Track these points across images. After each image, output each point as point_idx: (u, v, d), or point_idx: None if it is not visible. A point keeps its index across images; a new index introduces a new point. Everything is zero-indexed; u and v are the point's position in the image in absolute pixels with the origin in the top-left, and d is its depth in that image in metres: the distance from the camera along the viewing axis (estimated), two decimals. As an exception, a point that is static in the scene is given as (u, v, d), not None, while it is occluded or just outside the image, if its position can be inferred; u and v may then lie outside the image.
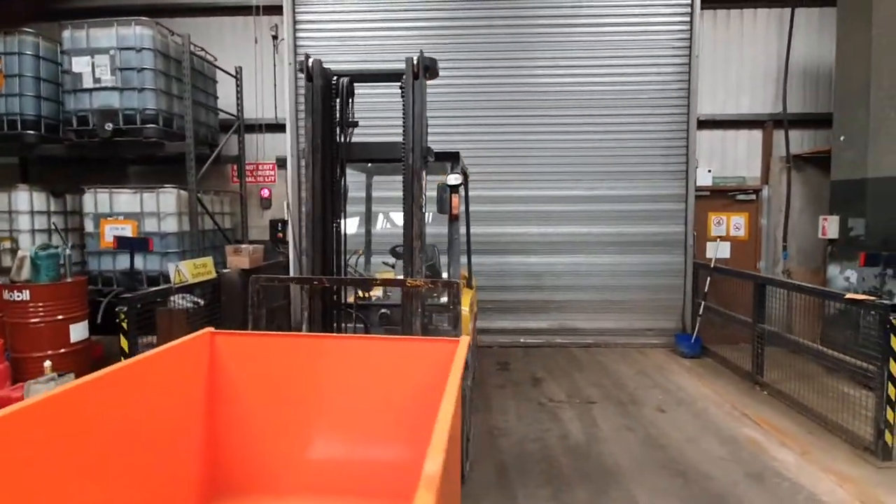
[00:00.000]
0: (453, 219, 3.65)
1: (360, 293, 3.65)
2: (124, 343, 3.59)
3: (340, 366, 2.46)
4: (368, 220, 5.08)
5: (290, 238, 6.72)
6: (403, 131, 3.06)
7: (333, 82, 3.11)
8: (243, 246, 5.55)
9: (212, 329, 2.64)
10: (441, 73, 3.13)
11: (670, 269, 6.37)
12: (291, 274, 6.70)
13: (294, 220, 6.62)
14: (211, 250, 5.88)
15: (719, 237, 6.49)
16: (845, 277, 5.22)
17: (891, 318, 3.46)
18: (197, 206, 5.42)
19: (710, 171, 6.44)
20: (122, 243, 4.83)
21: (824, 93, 6.28)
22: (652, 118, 6.23)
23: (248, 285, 5.65)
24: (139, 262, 5.18)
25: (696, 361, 5.87)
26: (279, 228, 6.85)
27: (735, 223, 6.58)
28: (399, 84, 3.09)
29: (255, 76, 6.73)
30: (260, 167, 6.87)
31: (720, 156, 6.47)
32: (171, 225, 5.24)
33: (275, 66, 6.80)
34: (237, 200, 6.72)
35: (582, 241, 6.43)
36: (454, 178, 3.89)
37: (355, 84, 3.17)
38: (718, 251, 6.27)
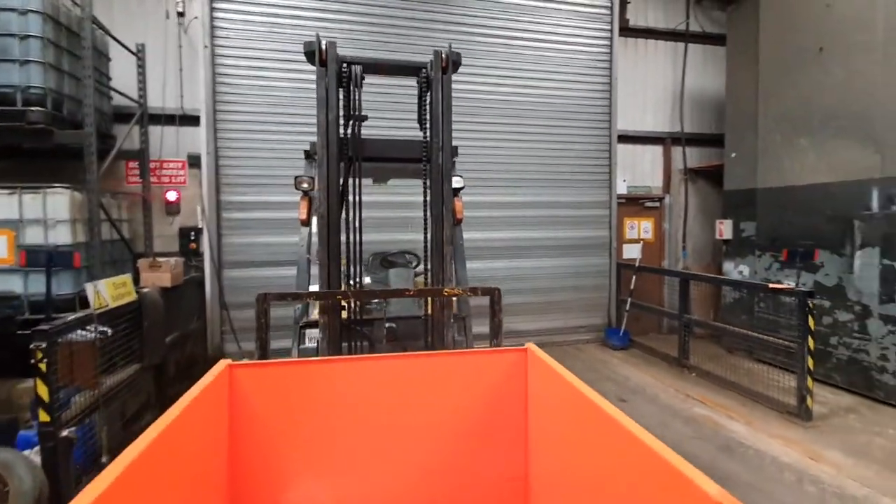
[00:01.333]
0: (457, 223, 3.50)
1: (355, 307, 3.29)
2: (43, 391, 2.69)
3: (394, 387, 2.17)
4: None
5: (205, 249, 5.79)
6: (425, 129, 2.83)
7: (344, 70, 2.74)
8: (162, 259, 4.61)
9: (229, 361, 2.15)
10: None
11: (598, 270, 6.94)
12: (209, 291, 5.78)
13: (212, 228, 5.73)
14: (110, 266, 4.78)
15: (634, 240, 7.29)
16: (739, 271, 6.23)
17: (808, 301, 4.21)
18: (99, 212, 4.35)
19: (624, 180, 7.19)
20: (33, 259, 3.68)
21: (711, 116, 7.45)
22: (581, 131, 6.75)
23: (173, 308, 4.75)
24: (14, 284, 3.98)
25: (627, 353, 6.47)
26: (192, 238, 5.86)
27: (644, 227, 7.43)
28: (418, 78, 2.86)
29: (163, 58, 5.69)
30: (165, 165, 5.79)
31: (631, 167, 7.25)
32: (63, 235, 4.12)
33: (180, 47, 5.82)
34: (136, 205, 5.57)
35: (522, 245, 6.67)
36: (458, 181, 3.73)
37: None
38: (631, 252, 7.06)
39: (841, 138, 4.84)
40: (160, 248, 5.63)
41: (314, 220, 3.34)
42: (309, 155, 3.43)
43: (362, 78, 2.76)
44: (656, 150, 7.37)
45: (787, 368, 4.98)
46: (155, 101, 5.61)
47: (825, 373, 5.02)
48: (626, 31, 6.91)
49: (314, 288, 3.78)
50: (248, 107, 5.83)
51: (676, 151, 7.35)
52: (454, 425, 2.23)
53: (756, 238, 5.91)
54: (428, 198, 2.86)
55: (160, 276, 4.50)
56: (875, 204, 4.56)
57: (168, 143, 5.75)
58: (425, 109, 2.86)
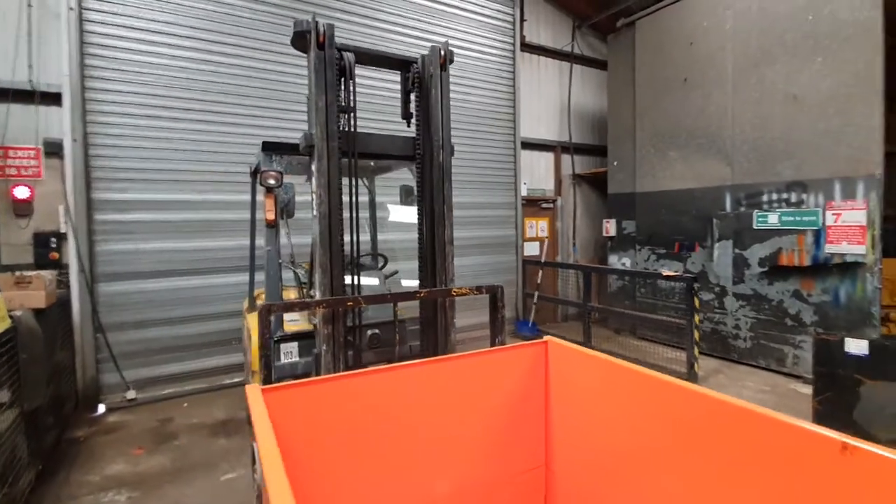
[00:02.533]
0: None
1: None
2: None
3: (424, 392, 2.13)
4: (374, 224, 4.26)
5: (71, 259, 4.68)
6: (422, 126, 2.74)
7: (338, 58, 2.51)
8: (31, 274, 3.59)
9: (256, 385, 1.88)
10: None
11: (507, 267, 7.41)
12: (77, 311, 4.67)
13: (80, 233, 4.65)
14: (-61, 285, 3.56)
15: (533, 238, 7.95)
16: (622, 263, 7.25)
17: (693, 285, 5.12)
18: (-69, 212, 3.21)
19: (525, 183, 7.79)
20: None
21: (591, 128, 8.49)
22: (490, 136, 7.12)
23: (48, 335, 3.81)
24: None
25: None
26: (53, 245, 4.67)
27: (541, 226, 8.16)
28: (409, 73, 2.76)
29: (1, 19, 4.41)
30: (11, 154, 4.50)
31: (530, 172, 7.90)
32: None
33: (30, 6, 4.60)
34: (-33, 204, 4.23)
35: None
36: None
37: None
38: (531, 250, 7.72)
39: (701, 153, 5.99)
40: (8, 260, 4.37)
41: (281, 220, 3.00)
42: (268, 147, 3.04)
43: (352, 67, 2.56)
44: (549, 157, 8.14)
45: (668, 343, 5.98)
46: (-4, 71, 4.33)
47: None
48: (524, 46, 7.50)
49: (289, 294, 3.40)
50: (129, 86, 4.86)
51: (566, 158, 8.22)
52: (480, 422, 2.26)
53: (636, 234, 6.95)
54: (425, 197, 2.78)
55: (31, 294, 3.51)
56: (728, 205, 5.74)
57: (15, 125, 4.49)
58: (417, 105, 2.76)
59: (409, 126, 2.87)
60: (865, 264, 4.59)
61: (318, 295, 2.43)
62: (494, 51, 7.10)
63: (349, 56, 2.53)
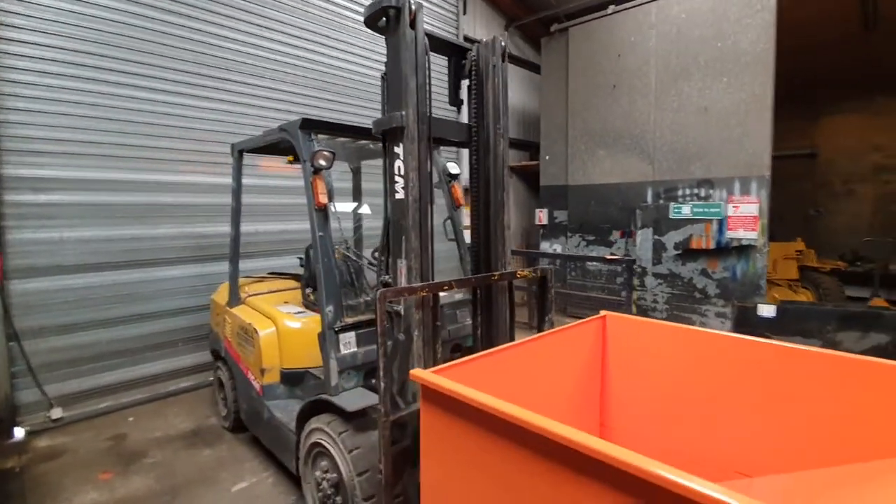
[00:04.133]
0: (458, 207, 3.56)
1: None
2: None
3: (520, 370, 2.27)
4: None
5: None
6: (479, 114, 2.83)
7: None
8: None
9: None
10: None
11: (448, 255, 7.62)
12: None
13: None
14: None
15: (466, 227, 8.29)
16: (553, 249, 7.98)
17: (632, 267, 5.93)
18: None
19: (459, 172, 8.05)
20: None
21: (515, 123, 9.07)
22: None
23: None
24: None
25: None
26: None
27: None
28: (466, 60, 2.82)
29: None
30: None
31: (464, 162, 8.19)
32: None
33: None
34: None
35: (374, 234, 6.72)
36: (454, 167, 3.76)
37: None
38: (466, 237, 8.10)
39: (627, 152, 6.88)
40: None
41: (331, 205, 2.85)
42: (308, 126, 2.85)
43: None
44: (483, 149, 8.52)
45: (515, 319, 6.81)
46: None
47: (620, 317, 7.10)
48: (465, 39, 7.73)
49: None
50: (49, 38, 3.98)
51: (497, 151, 8.69)
52: (547, 395, 2.41)
53: (567, 223, 7.71)
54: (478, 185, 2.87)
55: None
56: (649, 198, 6.71)
57: None
58: (475, 93, 2.83)
59: (458, 112, 2.92)
60: (756, 247, 5.80)
61: (403, 280, 2.40)
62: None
63: (425, 40, 2.51)
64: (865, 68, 7.95)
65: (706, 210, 6.15)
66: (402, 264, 2.43)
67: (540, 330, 3.15)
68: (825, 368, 1.93)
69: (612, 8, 6.89)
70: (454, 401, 1.59)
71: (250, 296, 3.85)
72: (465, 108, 2.96)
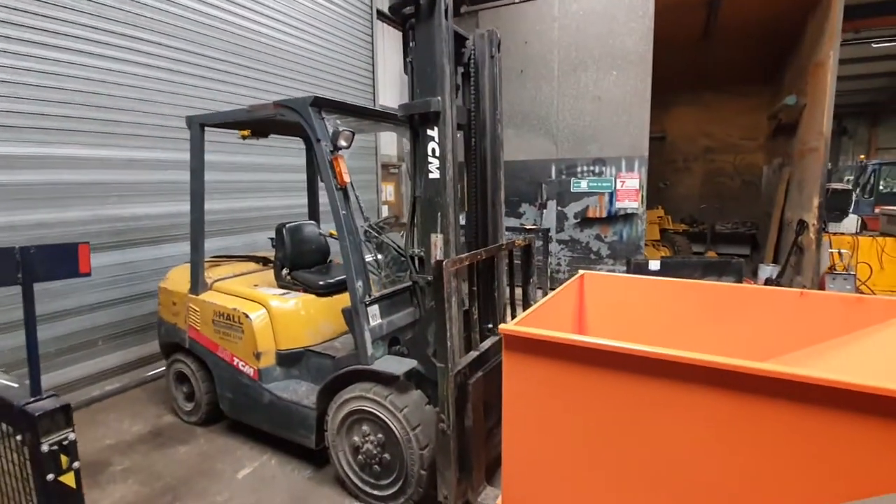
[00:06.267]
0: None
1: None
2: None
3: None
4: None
5: None
6: (475, 99, 3.10)
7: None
8: None
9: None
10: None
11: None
12: None
13: None
14: None
15: (385, 202, 8.41)
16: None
17: (548, 236, 6.76)
18: None
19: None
20: None
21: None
22: (354, 101, 7.12)
23: None
24: None
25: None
26: None
27: (388, 191, 8.66)
28: (463, 48, 3.05)
29: None
30: None
31: (381, 137, 8.24)
32: None
33: None
34: None
35: (296, 212, 6.57)
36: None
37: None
38: (382, 213, 8.25)
39: (533, 132, 7.66)
40: None
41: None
42: (320, 104, 2.83)
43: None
44: (394, 125, 8.60)
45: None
46: None
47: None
48: (379, 14, 7.64)
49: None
50: None
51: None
52: None
53: (480, 197, 8.31)
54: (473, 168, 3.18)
55: None
56: (553, 174, 7.62)
57: None
58: (472, 80, 3.09)
59: (455, 97, 3.15)
60: (637, 214, 7.08)
61: (439, 252, 2.64)
62: (352, 16, 7.04)
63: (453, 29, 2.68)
64: (700, 70, 9.93)
65: (600, 184, 7.25)
66: (437, 238, 2.66)
67: (525, 290, 3.63)
68: (750, 296, 2.73)
69: (517, -3, 7.48)
70: (550, 345, 1.95)
71: (216, 281, 3.62)
72: (459, 93, 3.19)
